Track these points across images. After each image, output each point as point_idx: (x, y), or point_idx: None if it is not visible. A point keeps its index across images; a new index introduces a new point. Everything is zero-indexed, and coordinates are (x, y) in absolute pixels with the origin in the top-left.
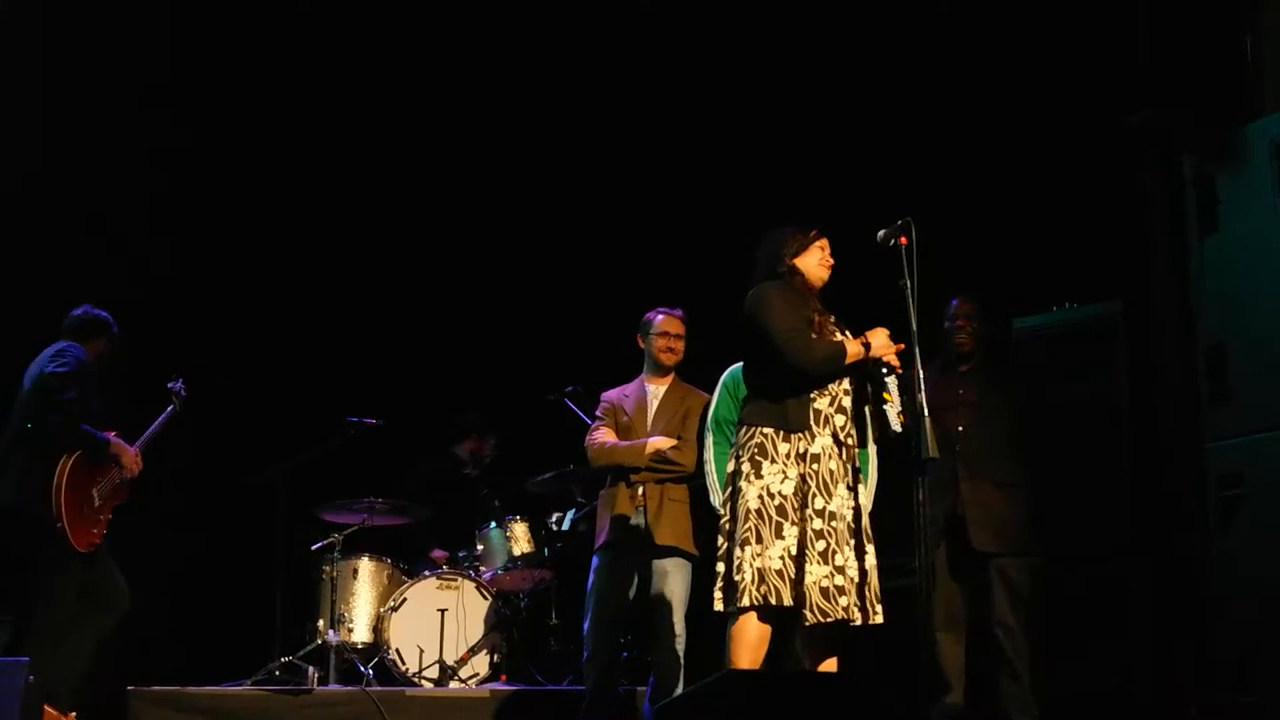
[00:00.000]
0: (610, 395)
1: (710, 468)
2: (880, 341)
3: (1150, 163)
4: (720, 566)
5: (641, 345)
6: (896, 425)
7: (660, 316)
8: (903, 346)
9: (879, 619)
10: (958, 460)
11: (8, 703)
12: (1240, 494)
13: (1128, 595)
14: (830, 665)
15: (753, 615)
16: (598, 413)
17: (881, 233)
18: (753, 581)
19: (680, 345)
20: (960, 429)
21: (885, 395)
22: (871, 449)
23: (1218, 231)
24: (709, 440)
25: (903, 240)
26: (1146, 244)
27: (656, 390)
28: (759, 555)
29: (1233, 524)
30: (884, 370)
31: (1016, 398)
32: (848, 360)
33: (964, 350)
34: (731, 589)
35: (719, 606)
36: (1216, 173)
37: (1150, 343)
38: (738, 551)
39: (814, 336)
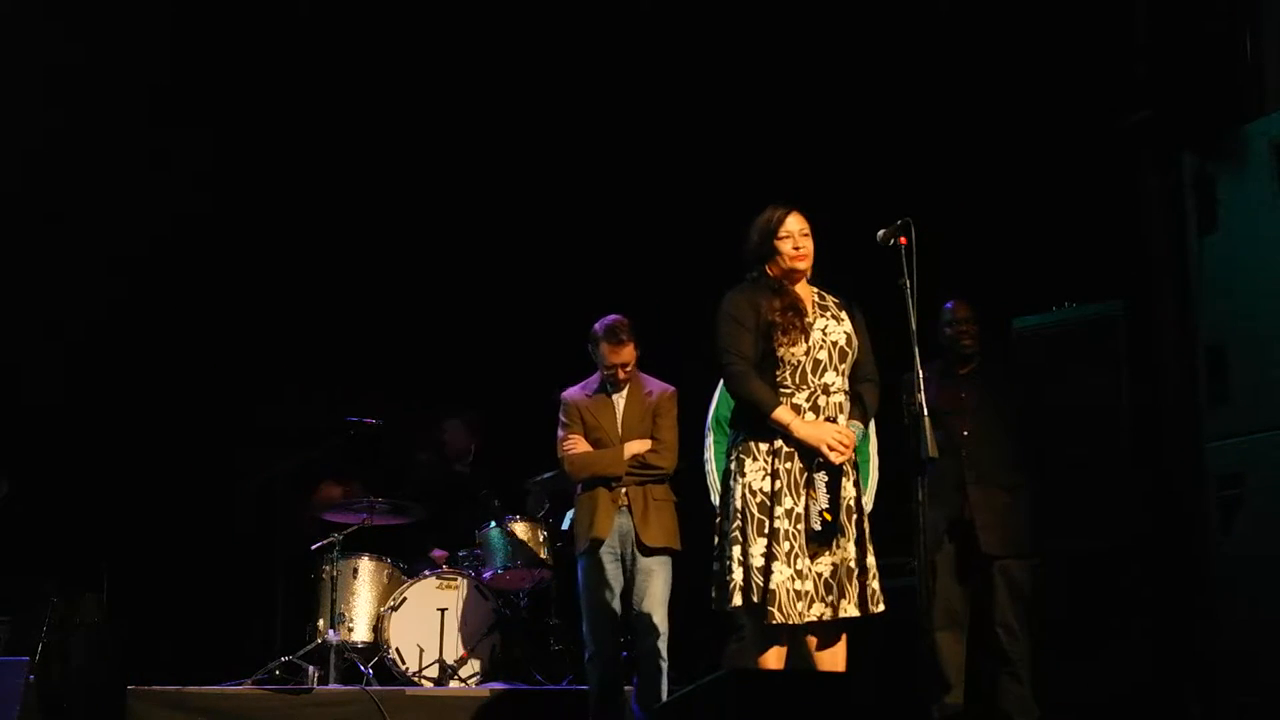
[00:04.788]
0: (572, 395)
1: (710, 466)
2: (816, 432)
3: (1150, 163)
4: (715, 565)
5: (592, 357)
6: (816, 523)
7: (604, 345)
8: (848, 445)
9: (853, 612)
10: (964, 466)
11: (8, 702)
12: (1240, 494)
13: (1128, 595)
14: (837, 654)
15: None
16: (561, 416)
17: (881, 233)
18: (742, 580)
19: (629, 367)
20: (965, 434)
21: (811, 492)
22: (872, 448)
23: (1218, 231)
24: (709, 439)
25: (902, 240)
26: (1146, 244)
27: (619, 393)
28: (747, 554)
29: (1233, 524)
30: (818, 460)
31: (1016, 398)
32: (771, 422)
33: (965, 354)
34: (724, 588)
35: (715, 605)
36: (1216, 173)
37: (1150, 343)
38: (729, 550)
39: (749, 373)
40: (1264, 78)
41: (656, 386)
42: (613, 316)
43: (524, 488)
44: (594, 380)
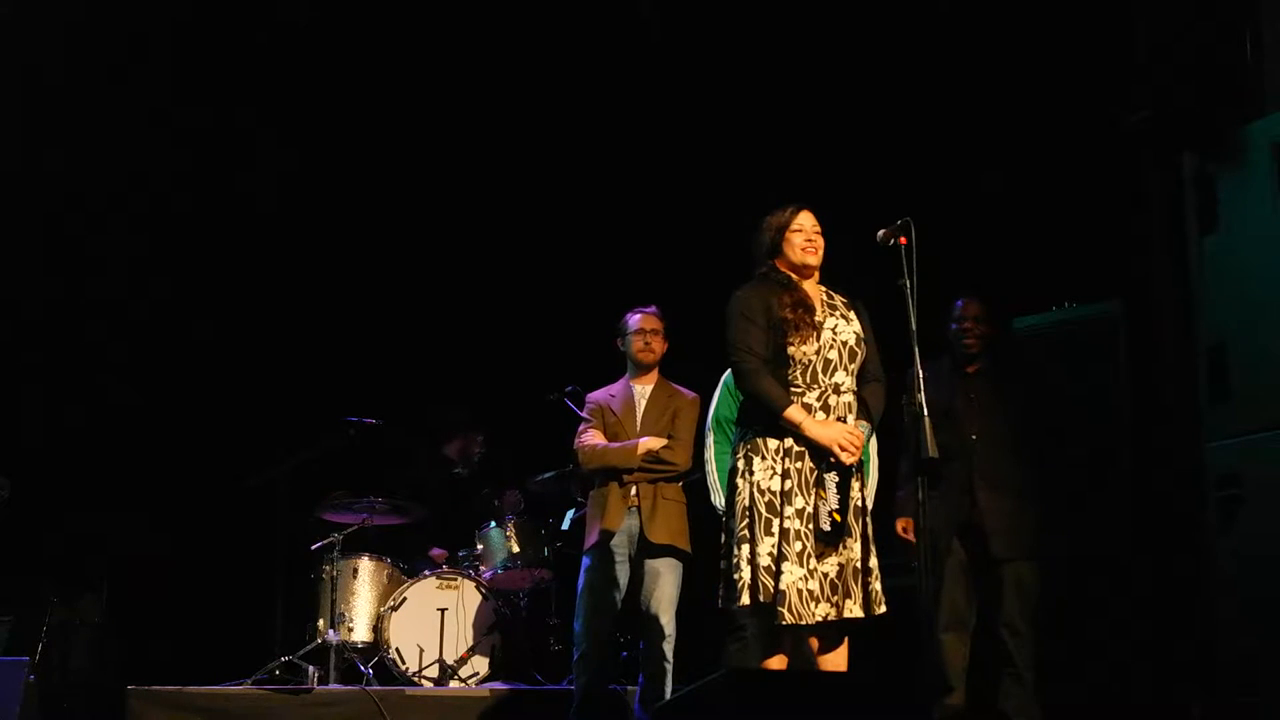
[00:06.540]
0: (596, 396)
1: (711, 467)
2: (828, 433)
3: (1150, 163)
4: (723, 564)
5: (621, 348)
6: (825, 524)
7: (635, 316)
8: (859, 446)
9: (857, 613)
10: (974, 469)
11: (8, 702)
12: (1240, 494)
13: (1128, 595)
14: (840, 656)
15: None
16: (584, 414)
17: (881, 232)
18: (750, 580)
19: (657, 341)
20: (974, 437)
21: (820, 493)
22: (872, 447)
23: (1217, 231)
24: (709, 440)
25: (902, 240)
26: (1146, 244)
27: (643, 390)
28: (754, 553)
29: (1233, 524)
30: (829, 461)
31: (1021, 399)
32: (782, 421)
33: (971, 352)
34: (732, 587)
35: (723, 604)
36: (1216, 172)
37: (1150, 343)
38: (736, 549)
39: (762, 371)
40: (1264, 78)
41: (681, 391)
42: None
43: (504, 491)
44: (619, 384)
